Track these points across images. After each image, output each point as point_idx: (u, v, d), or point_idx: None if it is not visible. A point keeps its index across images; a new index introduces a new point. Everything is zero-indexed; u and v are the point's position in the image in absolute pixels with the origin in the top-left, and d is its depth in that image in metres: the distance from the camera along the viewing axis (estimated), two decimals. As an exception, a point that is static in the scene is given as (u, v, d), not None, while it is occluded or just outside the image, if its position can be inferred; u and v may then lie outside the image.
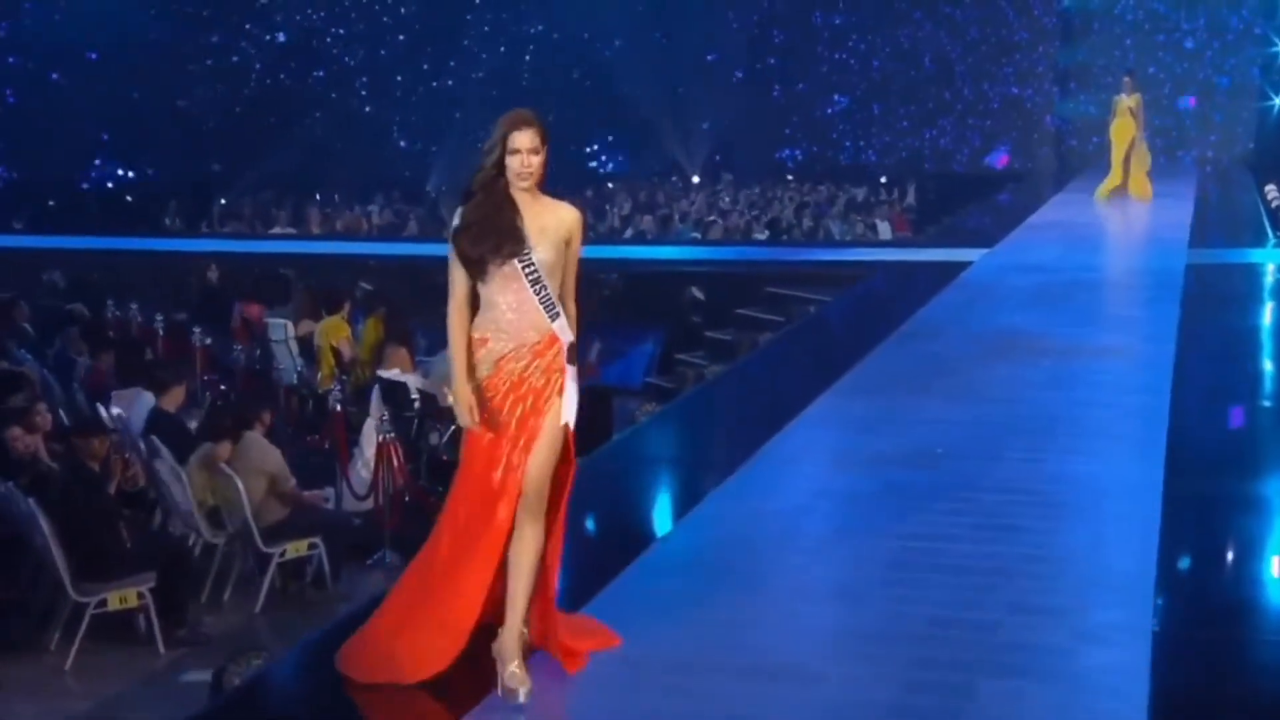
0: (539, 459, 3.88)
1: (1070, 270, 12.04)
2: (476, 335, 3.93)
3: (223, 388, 11.09)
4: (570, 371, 3.92)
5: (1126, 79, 16.96)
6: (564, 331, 3.91)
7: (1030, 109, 24.00)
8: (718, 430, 7.74)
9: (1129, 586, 4.75)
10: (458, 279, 3.92)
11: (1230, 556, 5.41)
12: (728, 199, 20.33)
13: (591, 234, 18.35)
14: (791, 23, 25.28)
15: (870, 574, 4.87)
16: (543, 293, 3.88)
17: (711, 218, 18.36)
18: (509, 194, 3.91)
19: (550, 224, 3.93)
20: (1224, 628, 4.61)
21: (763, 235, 16.90)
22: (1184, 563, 5.19)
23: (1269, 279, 11.87)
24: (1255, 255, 13.26)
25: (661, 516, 5.95)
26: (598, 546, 5.59)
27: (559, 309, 3.90)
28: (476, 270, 3.88)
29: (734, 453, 6.59)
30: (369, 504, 8.64)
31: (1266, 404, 7.91)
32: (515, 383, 3.91)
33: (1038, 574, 4.95)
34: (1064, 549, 5.23)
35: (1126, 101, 16.59)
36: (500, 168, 3.89)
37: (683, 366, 12.74)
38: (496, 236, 3.88)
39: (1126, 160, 16.55)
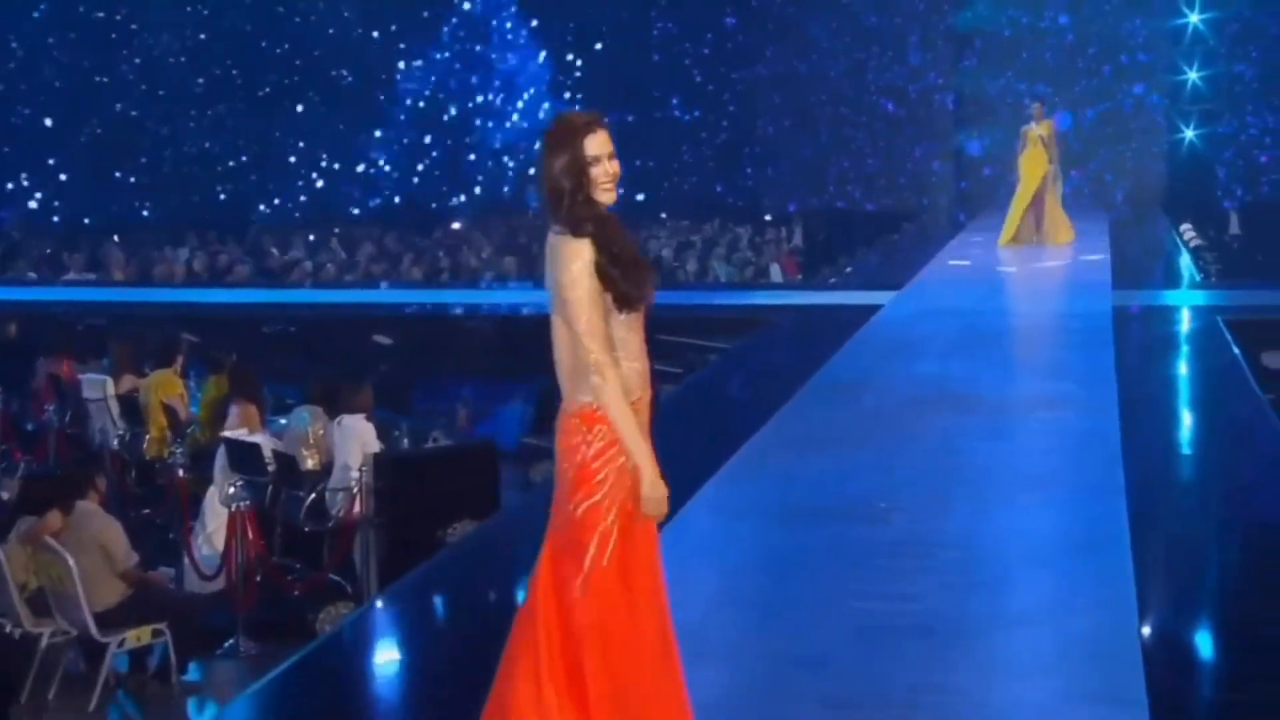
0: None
1: (991, 315, 12.47)
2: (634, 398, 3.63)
3: (28, 456, 10.75)
4: None
5: (1036, 105, 16.96)
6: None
7: (924, 141, 24.80)
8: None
9: (1114, 642, 4.96)
10: (602, 329, 3.57)
11: (1210, 608, 5.65)
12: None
13: (447, 277, 18.42)
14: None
15: (838, 638, 4.97)
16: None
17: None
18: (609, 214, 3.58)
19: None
20: (1218, 688, 4.83)
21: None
22: (1165, 617, 5.41)
23: (1198, 320, 12.44)
24: (1179, 297, 13.92)
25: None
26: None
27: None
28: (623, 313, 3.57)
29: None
30: (217, 584, 8.46)
31: (1219, 448, 8.30)
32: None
33: (1014, 634, 5.11)
34: (1037, 606, 5.41)
35: (1036, 130, 16.58)
36: (581, 184, 3.55)
37: (564, 425, 12.77)
38: (647, 271, 3.62)
39: (1039, 197, 16.60)
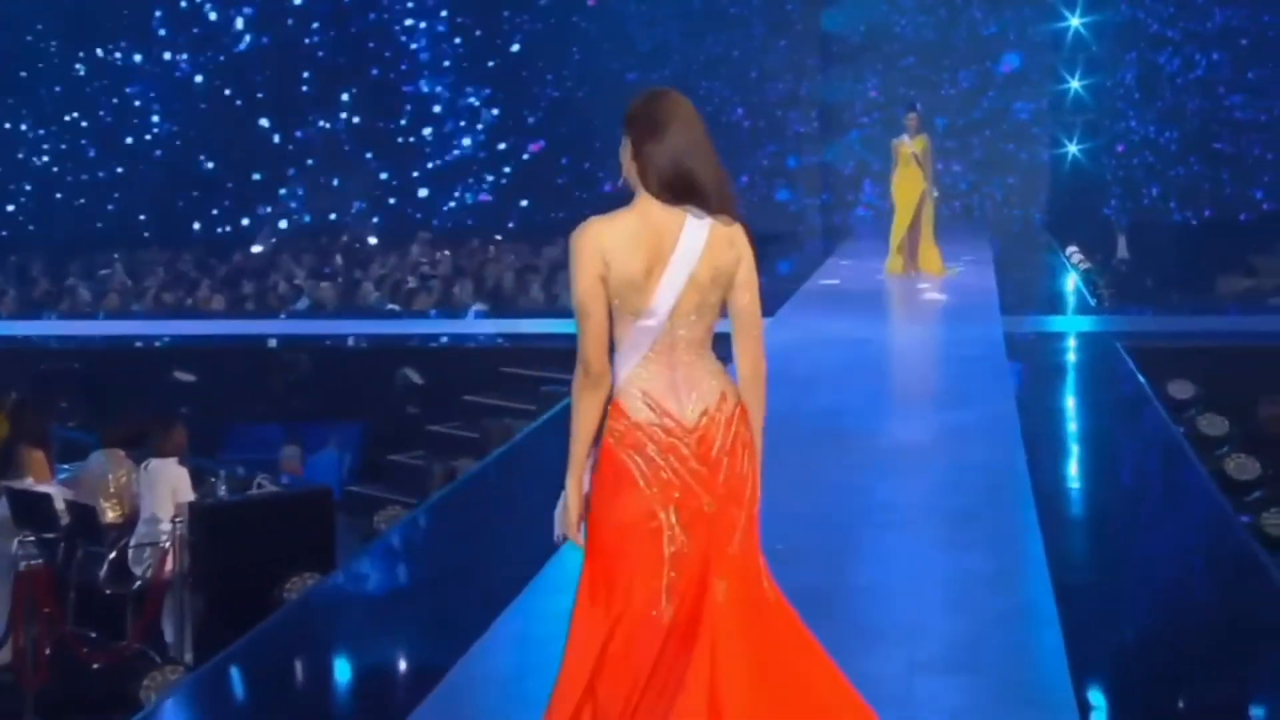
0: None
1: (876, 343, 12.70)
2: None
3: None
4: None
5: (910, 117, 16.49)
6: None
7: (792, 155, 25.21)
8: (491, 539, 7.74)
9: (1044, 689, 5.16)
10: None
11: (1136, 642, 5.85)
12: (426, 262, 20.41)
13: (251, 305, 18.14)
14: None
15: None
16: None
17: (411, 284, 18.40)
18: None
19: None
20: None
21: (482, 306, 17.04)
22: (1098, 659, 5.57)
23: (1097, 348, 12.85)
24: (1072, 323, 14.37)
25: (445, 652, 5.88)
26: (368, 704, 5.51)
27: None
28: None
29: (518, 567, 6.67)
30: (2, 657, 8.22)
31: (1136, 483, 8.59)
32: None
33: (934, 684, 5.21)
34: (968, 655, 5.52)
35: (909, 146, 16.24)
36: None
37: (397, 469, 12.72)
38: None
39: (915, 221, 16.27)
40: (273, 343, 14.91)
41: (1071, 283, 17.26)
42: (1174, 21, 23.62)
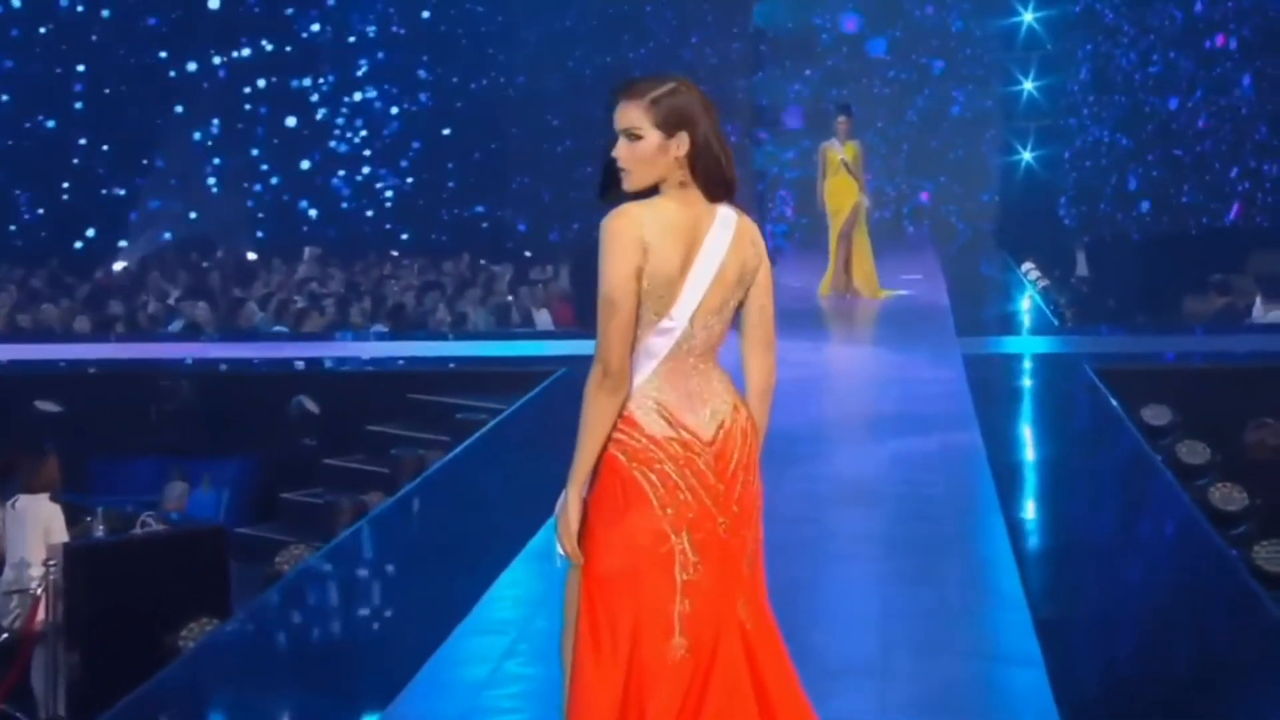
0: None
1: (821, 366, 12.81)
2: None
3: None
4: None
5: (841, 120, 16.31)
6: None
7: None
8: (411, 580, 7.74)
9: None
10: None
11: (1127, 686, 5.95)
12: (316, 279, 20.32)
13: (122, 328, 17.94)
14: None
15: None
16: None
17: (300, 303, 18.30)
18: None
19: None
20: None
21: (382, 327, 16.98)
22: (1088, 705, 5.65)
23: (1065, 370, 13.03)
24: (1036, 344, 14.57)
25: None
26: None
27: None
28: None
29: (441, 610, 6.70)
30: None
31: (1112, 510, 8.73)
32: None
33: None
34: (946, 696, 5.59)
35: (839, 153, 16.08)
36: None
37: (292, 508, 12.63)
38: None
39: (846, 238, 16.10)
40: (149, 368, 14.73)
41: (1030, 301, 17.50)
42: (1132, 15, 23.95)
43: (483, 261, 22.11)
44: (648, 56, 24.49)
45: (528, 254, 23.79)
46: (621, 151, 3.96)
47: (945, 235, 24.19)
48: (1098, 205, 24.47)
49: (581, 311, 20.12)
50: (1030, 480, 9.40)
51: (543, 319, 18.15)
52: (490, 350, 15.12)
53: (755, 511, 4.04)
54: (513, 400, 12.29)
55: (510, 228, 25.57)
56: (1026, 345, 14.59)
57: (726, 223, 3.97)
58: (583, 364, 12.52)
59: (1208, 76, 23.76)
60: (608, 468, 3.93)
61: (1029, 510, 8.69)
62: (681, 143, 3.94)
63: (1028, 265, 20.21)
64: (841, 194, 16.08)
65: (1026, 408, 12.02)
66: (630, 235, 3.85)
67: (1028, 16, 24.10)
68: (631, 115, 3.95)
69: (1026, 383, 13.02)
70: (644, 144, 3.94)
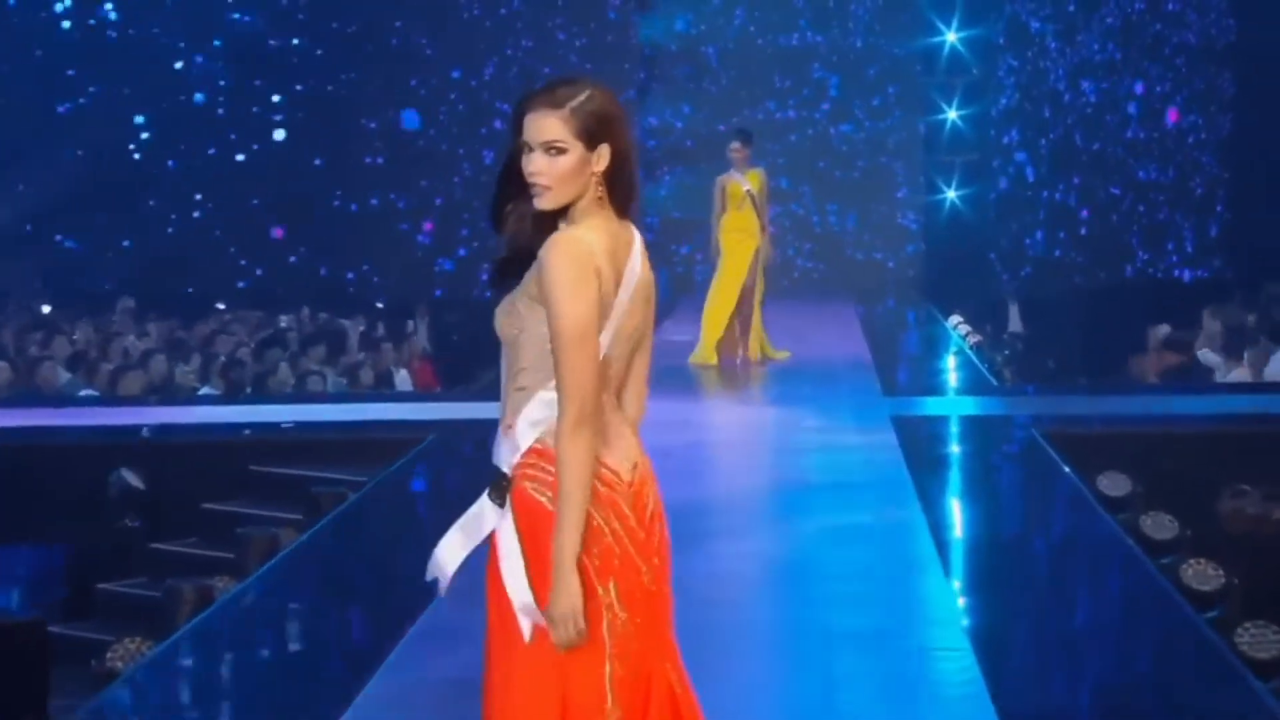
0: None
1: (726, 428, 12.90)
2: None
3: None
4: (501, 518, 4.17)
5: (735, 146, 15.99)
6: (498, 446, 4.16)
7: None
8: (271, 672, 7.67)
9: None
10: None
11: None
12: (132, 335, 20.06)
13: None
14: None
15: None
16: (511, 380, 4.18)
17: (110, 364, 18.07)
18: (527, 220, 4.21)
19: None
20: None
21: (215, 389, 16.81)
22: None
23: (1010, 434, 13.20)
24: (974, 405, 14.76)
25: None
26: None
27: (506, 408, 4.16)
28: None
29: (308, 705, 6.69)
30: None
31: (1082, 597, 8.83)
32: None
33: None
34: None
35: (737, 183, 15.77)
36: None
37: (113, 601, 12.44)
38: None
39: (745, 291, 15.65)
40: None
41: (962, 358, 17.71)
42: (1070, 35, 24.39)
43: (324, 314, 21.97)
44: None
45: (379, 305, 23.72)
46: (539, 167, 4.08)
47: (858, 283, 24.38)
48: (1030, 252, 24.86)
49: (445, 371, 20.06)
50: (980, 559, 9.48)
51: (401, 379, 18.04)
52: (345, 415, 15.03)
53: (669, 563, 4.20)
54: (376, 472, 12.25)
55: (360, 280, 25.52)
56: (962, 406, 14.78)
57: (637, 240, 4.21)
58: (453, 430, 12.63)
59: (1150, 106, 24.33)
60: (522, 508, 4.08)
61: (982, 593, 8.76)
62: (603, 156, 4.10)
63: (956, 319, 20.49)
64: (742, 236, 15.70)
65: (967, 475, 12.14)
66: (590, 265, 4.03)
67: (951, 35, 24.42)
68: (551, 126, 4.08)
69: (965, 448, 13.15)
70: (566, 159, 4.08)
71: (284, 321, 20.98)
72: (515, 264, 4.20)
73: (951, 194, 24.49)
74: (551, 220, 4.16)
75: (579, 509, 3.97)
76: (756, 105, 25.27)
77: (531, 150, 4.10)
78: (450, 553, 4.23)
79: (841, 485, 11.02)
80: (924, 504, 10.27)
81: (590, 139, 4.09)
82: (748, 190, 15.77)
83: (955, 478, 11.90)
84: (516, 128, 4.16)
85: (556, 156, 4.07)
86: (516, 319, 4.14)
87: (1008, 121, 24.73)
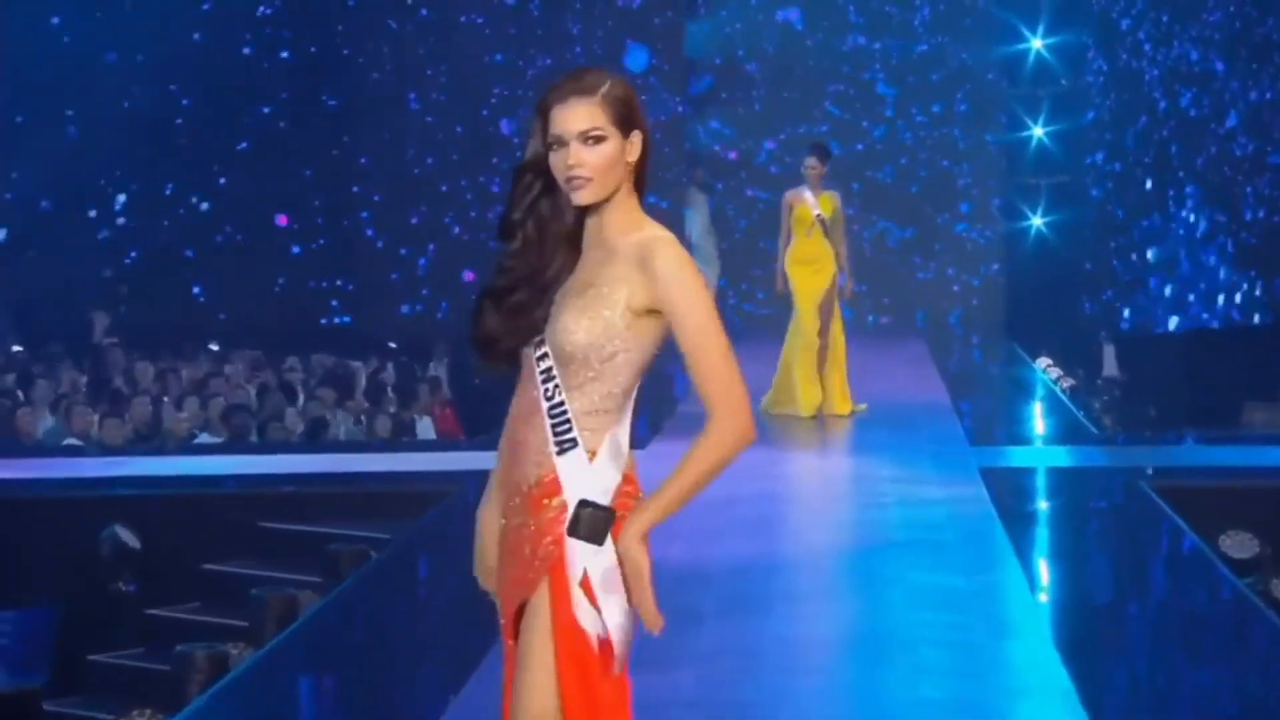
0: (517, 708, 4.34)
1: (797, 480, 12.87)
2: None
3: None
4: (576, 552, 4.32)
5: (811, 163, 15.57)
6: (573, 475, 4.34)
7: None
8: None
9: None
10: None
11: None
12: (121, 379, 20.11)
13: None
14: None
15: None
16: (553, 399, 4.37)
17: (93, 413, 18.08)
18: (560, 219, 4.46)
19: (604, 272, 4.35)
20: None
21: (215, 436, 16.84)
22: None
23: (1115, 487, 13.12)
24: (1074, 455, 14.68)
25: None
26: None
27: (574, 434, 4.36)
28: (494, 359, 4.49)
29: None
30: None
31: (1206, 672, 8.75)
32: (511, 549, 4.46)
33: None
34: None
35: (812, 206, 15.40)
36: (548, 170, 4.40)
37: (104, 673, 12.43)
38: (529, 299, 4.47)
39: (823, 327, 15.32)
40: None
41: (1055, 404, 17.64)
42: (1169, 39, 24.22)
43: (330, 356, 22.03)
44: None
45: (391, 345, 23.77)
46: (580, 158, 4.31)
47: (931, 321, 24.34)
48: (1124, 280, 24.71)
49: (468, 417, 20.03)
50: (1088, 625, 9.40)
51: (423, 428, 18.04)
52: (362, 465, 15.03)
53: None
54: (400, 527, 12.25)
55: (371, 311, 25.60)
56: (1058, 456, 14.72)
57: None
58: (478, 480, 12.53)
59: (1259, 119, 24.02)
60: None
61: (1091, 664, 8.67)
62: (635, 144, 4.39)
63: (1044, 361, 20.45)
64: (809, 265, 15.38)
65: (1069, 533, 12.08)
66: None
67: (1037, 42, 24.35)
68: (587, 114, 4.33)
69: (1065, 502, 13.10)
70: (607, 146, 4.33)
71: (288, 362, 20.98)
72: (534, 280, 4.41)
73: (1037, 221, 24.40)
74: (576, 227, 4.42)
75: (698, 489, 4.27)
76: (806, 120, 25.26)
77: (564, 144, 4.32)
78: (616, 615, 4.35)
79: (927, 543, 10.94)
80: (1022, 564, 10.22)
81: (624, 126, 4.35)
82: (818, 215, 15.39)
83: (1055, 535, 11.84)
84: (539, 128, 4.38)
85: (596, 145, 4.32)
86: (610, 335, 4.32)
87: (1100, 138, 24.63)
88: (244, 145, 25.52)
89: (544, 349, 4.36)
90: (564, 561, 4.30)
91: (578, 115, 4.30)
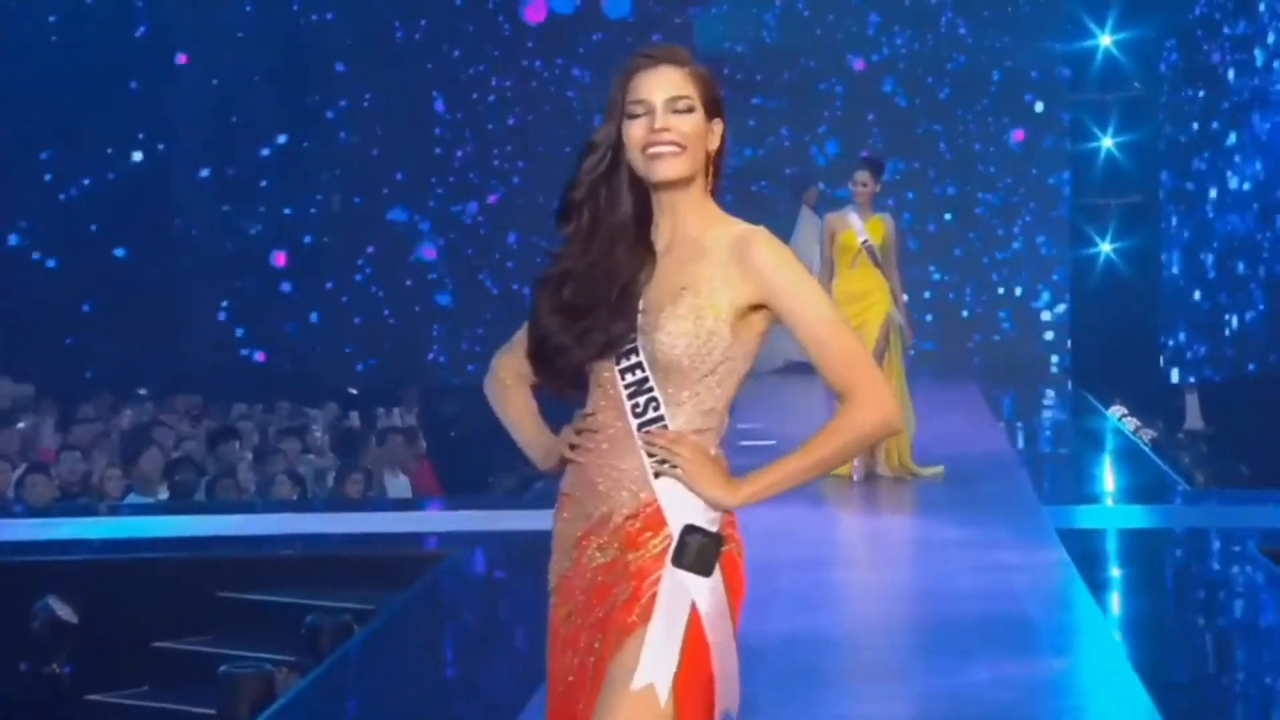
0: None
1: (854, 544, 12.94)
2: (562, 491, 4.74)
3: None
4: (679, 584, 4.49)
5: (862, 180, 15.25)
6: (675, 500, 4.50)
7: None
8: None
9: None
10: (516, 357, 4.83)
11: None
12: (52, 430, 20.15)
13: None
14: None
15: None
16: (648, 414, 4.53)
17: (12, 470, 18.10)
18: (617, 208, 4.63)
19: (696, 271, 4.50)
20: None
21: (154, 496, 16.86)
22: None
23: (1221, 550, 13.18)
24: (1161, 515, 14.74)
25: None
26: None
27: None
28: (554, 374, 4.69)
29: None
30: None
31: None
32: (596, 589, 4.58)
33: None
34: None
35: (851, 233, 15.20)
36: (617, 150, 4.59)
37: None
38: (595, 305, 4.58)
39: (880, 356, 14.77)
40: None
41: (1133, 458, 17.71)
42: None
43: (285, 403, 22.11)
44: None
45: (353, 391, 23.85)
46: (669, 123, 4.49)
47: (989, 362, 24.40)
48: (1211, 326, 24.69)
49: (445, 472, 20.07)
50: (1211, 708, 9.43)
51: (397, 485, 18.07)
52: (335, 527, 15.02)
53: None
54: (385, 597, 12.27)
55: (322, 356, 25.76)
56: (1144, 516, 14.74)
57: None
58: (475, 545, 12.67)
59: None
60: (731, 571, 4.60)
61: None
62: (716, 133, 4.59)
63: (1118, 409, 20.50)
64: (858, 301, 14.98)
65: (1171, 603, 12.10)
66: None
67: (1105, 39, 24.26)
68: (678, 80, 4.53)
69: (1161, 568, 13.13)
70: (695, 117, 4.52)
71: (236, 409, 21.04)
72: (597, 280, 4.56)
73: (1105, 246, 24.31)
74: (636, 221, 4.58)
75: (828, 467, 4.66)
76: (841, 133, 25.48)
77: (648, 112, 4.51)
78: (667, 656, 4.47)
79: (1006, 616, 10.94)
80: (1122, 637, 10.27)
81: (710, 108, 4.54)
82: (864, 242, 15.16)
83: (1155, 605, 11.84)
84: (618, 101, 4.53)
85: (685, 114, 4.49)
86: (714, 343, 4.50)
87: (1180, 150, 24.67)
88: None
89: (633, 360, 4.49)
90: (661, 597, 4.45)
91: (667, 80, 4.49)
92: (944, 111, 26.21)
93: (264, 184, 26.65)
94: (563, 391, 4.65)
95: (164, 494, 17.09)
